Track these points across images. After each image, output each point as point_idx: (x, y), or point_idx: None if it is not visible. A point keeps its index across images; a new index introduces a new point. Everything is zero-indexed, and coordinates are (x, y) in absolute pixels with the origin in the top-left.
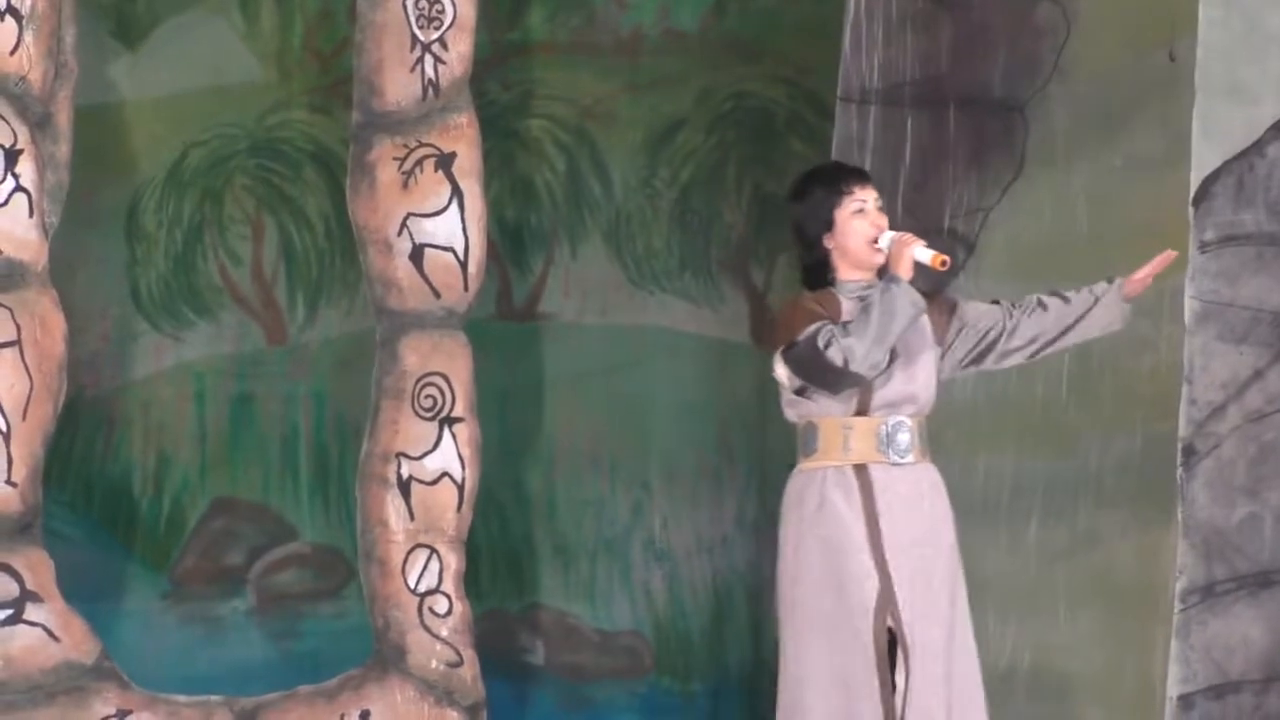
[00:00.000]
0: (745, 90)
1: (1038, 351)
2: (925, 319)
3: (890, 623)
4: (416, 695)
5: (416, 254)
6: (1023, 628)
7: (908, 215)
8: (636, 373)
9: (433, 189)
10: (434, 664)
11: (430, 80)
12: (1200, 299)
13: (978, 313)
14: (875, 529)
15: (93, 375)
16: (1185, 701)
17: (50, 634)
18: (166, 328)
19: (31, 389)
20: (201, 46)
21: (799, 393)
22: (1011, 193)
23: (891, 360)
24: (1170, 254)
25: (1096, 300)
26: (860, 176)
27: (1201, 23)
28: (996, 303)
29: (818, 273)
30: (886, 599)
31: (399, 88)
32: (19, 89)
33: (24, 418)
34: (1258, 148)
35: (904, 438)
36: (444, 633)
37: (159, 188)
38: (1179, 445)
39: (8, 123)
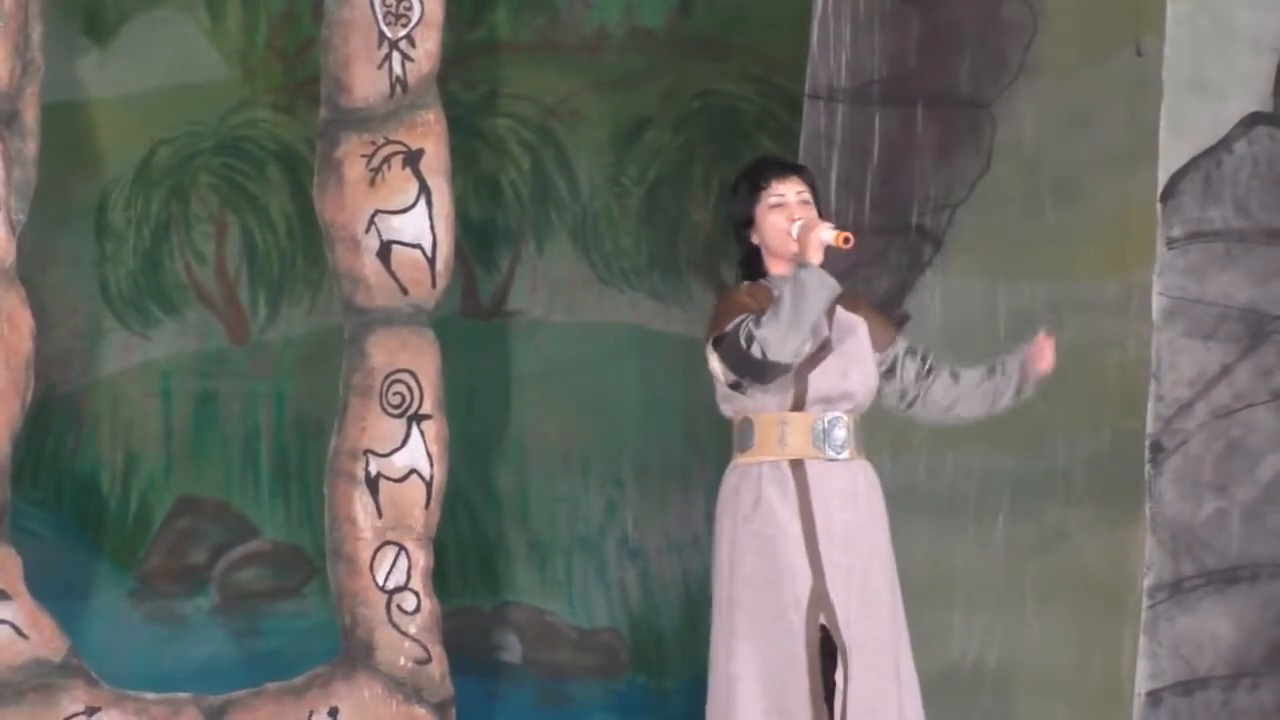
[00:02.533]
0: (712, 88)
1: (945, 417)
2: (861, 322)
3: (823, 620)
4: (384, 692)
5: (384, 251)
6: (991, 624)
7: (875, 212)
8: (605, 370)
9: (400, 186)
10: (402, 661)
11: (398, 77)
12: (1168, 295)
13: (908, 354)
14: (810, 525)
15: (64, 372)
16: (1154, 698)
17: (18, 631)
18: (135, 325)
19: None
20: (168, 44)
21: (734, 387)
22: (979, 189)
23: (824, 353)
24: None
25: (999, 391)
26: (780, 170)
27: (1169, 19)
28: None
29: (750, 266)
30: (820, 597)
31: (366, 84)
32: None
33: None
34: (1225, 144)
35: (840, 434)
36: (412, 630)
37: (128, 185)
38: (1147, 442)
39: None
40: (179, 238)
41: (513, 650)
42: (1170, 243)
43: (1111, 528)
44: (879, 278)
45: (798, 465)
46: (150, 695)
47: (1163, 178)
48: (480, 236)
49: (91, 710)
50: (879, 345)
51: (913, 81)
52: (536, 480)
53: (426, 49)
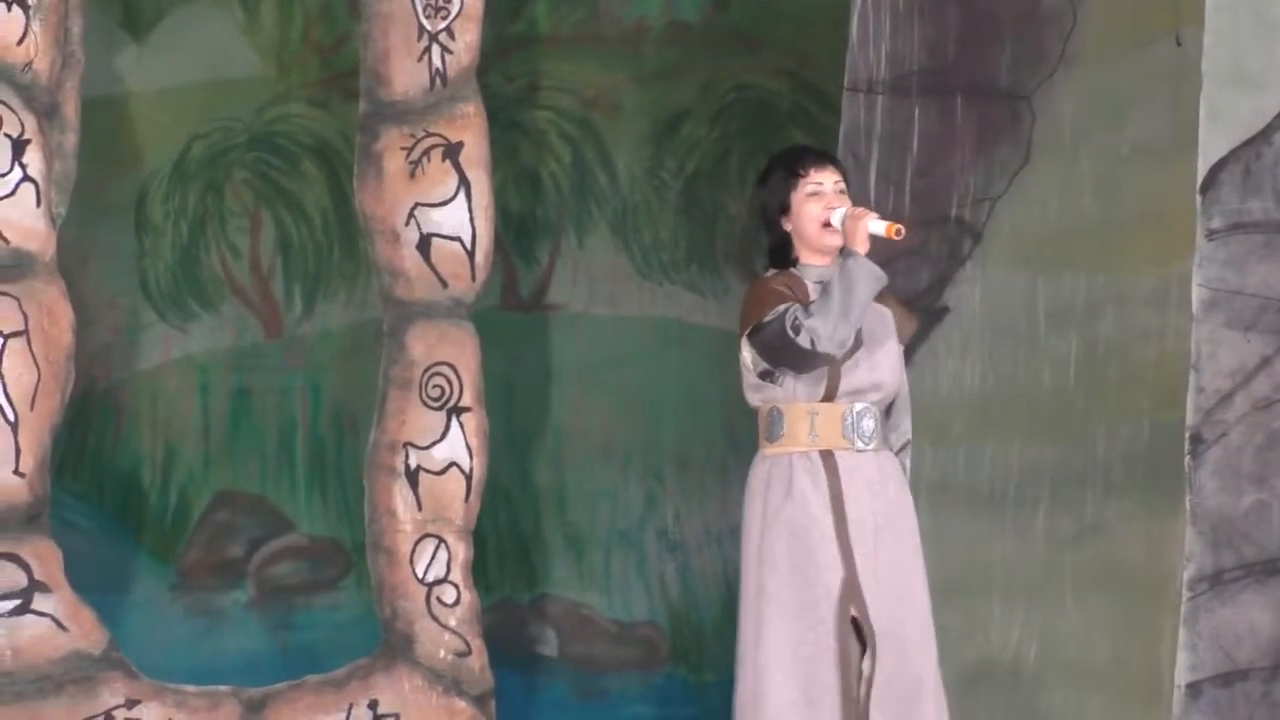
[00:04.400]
0: (747, 82)
1: None
2: (888, 312)
3: (854, 612)
4: (424, 684)
5: (424, 244)
6: (1030, 616)
7: (915, 204)
8: (644, 364)
9: (440, 179)
10: (442, 653)
11: (437, 70)
12: (1207, 287)
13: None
14: (842, 516)
15: (105, 366)
16: (1193, 689)
17: (58, 624)
18: (173, 319)
19: (39, 379)
20: (204, 39)
21: (764, 376)
22: (1018, 181)
23: (857, 346)
24: None
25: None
26: (818, 159)
27: (1208, 10)
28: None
29: (781, 254)
30: (851, 588)
31: (406, 77)
32: (26, 78)
33: (32, 408)
34: (1265, 135)
35: (868, 424)
36: (452, 622)
37: (165, 179)
38: (1186, 433)
39: (15, 112)
40: (214, 232)
41: (550, 644)
42: (1210, 234)
43: (1151, 519)
44: (918, 270)
45: (828, 456)
46: (190, 688)
47: (1202, 169)
48: (520, 229)
49: (131, 703)
50: (902, 337)
51: (952, 73)
52: (575, 473)
53: (466, 41)
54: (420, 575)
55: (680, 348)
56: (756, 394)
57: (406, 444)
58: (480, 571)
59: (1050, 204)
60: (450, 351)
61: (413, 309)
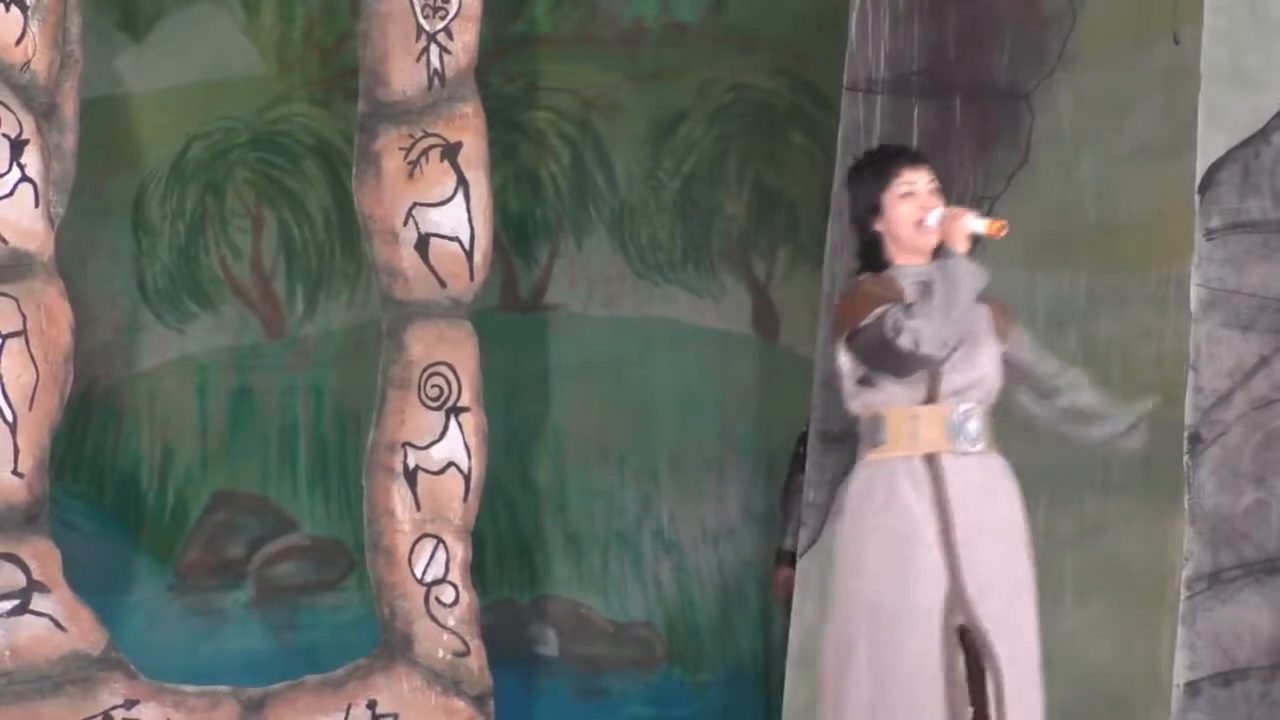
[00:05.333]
0: (745, 82)
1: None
2: (986, 309)
3: (962, 620)
4: (423, 684)
5: (422, 244)
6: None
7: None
8: (641, 364)
9: (438, 179)
10: (441, 653)
11: (436, 70)
12: (1206, 286)
13: (1034, 348)
14: (947, 523)
15: (104, 367)
16: (1192, 689)
17: (57, 624)
18: (171, 320)
19: (38, 379)
20: (204, 39)
21: (862, 382)
22: (1017, 181)
23: (957, 345)
24: None
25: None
26: (911, 159)
27: (1207, 9)
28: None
29: (874, 255)
30: (957, 598)
31: (404, 77)
32: (24, 78)
33: (30, 408)
34: (1263, 135)
35: (974, 425)
36: (451, 622)
37: (163, 180)
38: (1185, 433)
39: (13, 113)
40: (215, 232)
41: (550, 644)
42: (1208, 234)
43: (1150, 519)
44: None
45: (932, 460)
46: (189, 688)
47: (1201, 169)
48: (520, 229)
49: (130, 703)
50: (1002, 332)
51: (951, 73)
52: (573, 473)
53: (464, 42)
54: (419, 575)
55: (676, 348)
56: (856, 400)
57: (405, 444)
58: (479, 572)
59: (1049, 203)
60: (449, 351)
61: (411, 309)
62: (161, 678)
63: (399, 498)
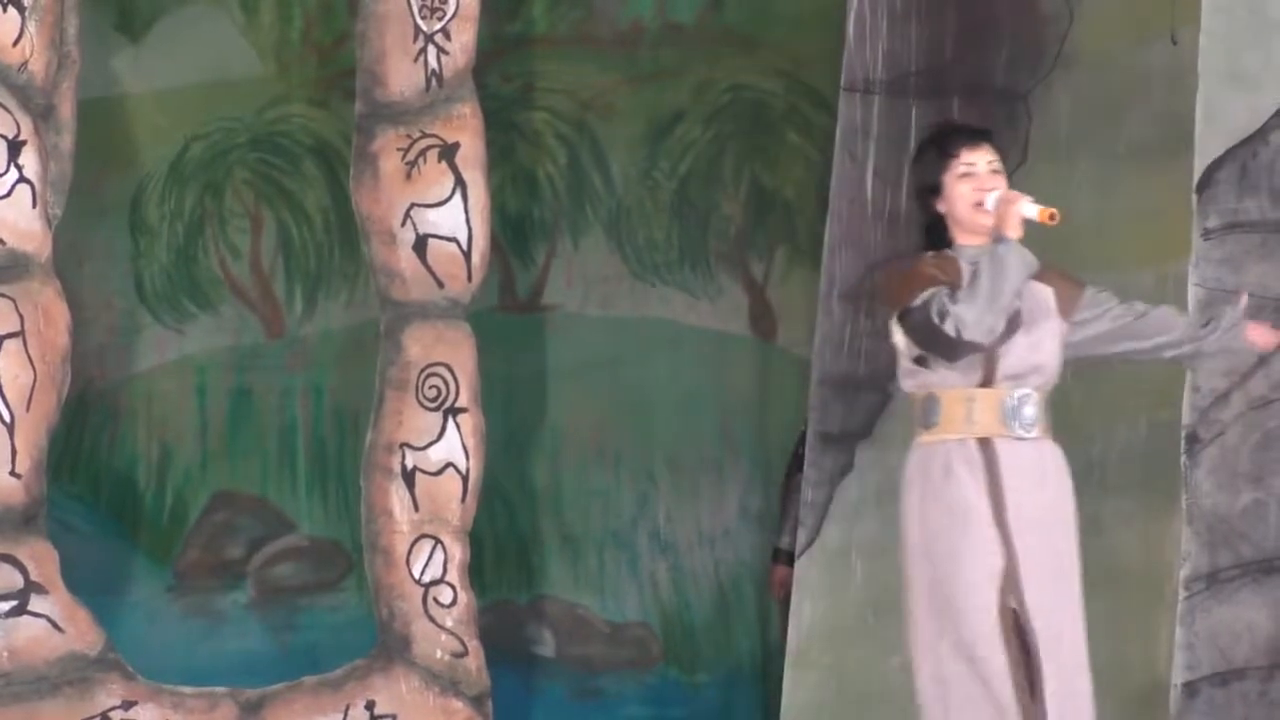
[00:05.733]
0: (742, 82)
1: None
2: (1049, 291)
3: (1014, 604)
4: (421, 685)
5: (420, 244)
6: None
7: (911, 205)
8: (638, 364)
9: (436, 179)
10: (439, 654)
11: (433, 71)
12: (1204, 286)
13: (1109, 301)
14: (1000, 506)
15: (100, 367)
16: (1190, 689)
17: (55, 625)
18: (169, 320)
19: (35, 380)
20: (202, 40)
21: (918, 361)
22: (1015, 181)
23: (1015, 328)
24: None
25: (1220, 329)
26: (971, 138)
27: (1205, 10)
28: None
29: (935, 234)
30: (1010, 580)
31: (402, 78)
32: (21, 79)
33: (28, 409)
34: (1261, 135)
35: (1030, 411)
36: (449, 623)
37: (161, 181)
38: (1183, 433)
39: (11, 113)
40: (214, 233)
41: (547, 644)
42: (1206, 234)
43: (1147, 519)
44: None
45: (986, 444)
46: (186, 689)
47: (1198, 168)
48: (517, 230)
49: (128, 704)
50: (1066, 310)
51: (949, 73)
52: (570, 474)
53: (462, 42)
54: (417, 576)
55: (673, 348)
56: (911, 379)
57: (403, 444)
58: (477, 572)
59: (1047, 203)
60: (446, 352)
61: (409, 309)
62: (160, 679)
63: (397, 498)
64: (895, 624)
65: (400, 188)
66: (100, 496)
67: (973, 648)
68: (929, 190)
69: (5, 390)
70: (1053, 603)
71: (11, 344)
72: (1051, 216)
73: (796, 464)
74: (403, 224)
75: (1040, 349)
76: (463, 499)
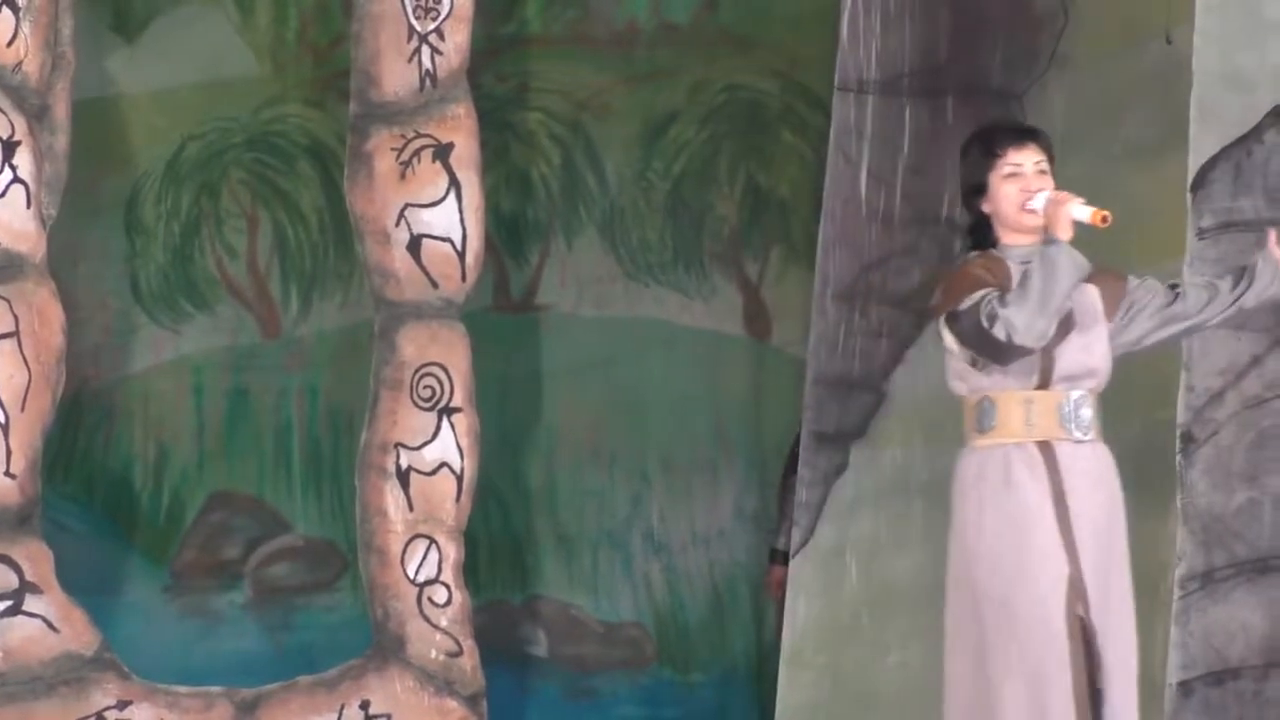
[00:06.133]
0: (737, 83)
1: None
2: (1096, 292)
3: (1080, 611)
4: (416, 685)
5: (414, 244)
6: None
7: (906, 204)
8: (632, 365)
9: (430, 179)
10: (434, 654)
11: (428, 71)
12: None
13: (1150, 292)
14: (1064, 510)
15: (94, 368)
16: (1185, 688)
17: (50, 625)
18: (165, 321)
19: (30, 380)
20: (198, 39)
21: (971, 364)
22: None
23: (1068, 330)
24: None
25: (1257, 281)
26: (1017, 137)
27: (1199, 9)
28: (1173, 286)
29: (982, 234)
30: (1076, 586)
31: (396, 78)
32: (16, 80)
33: (22, 409)
34: (1255, 134)
35: (1086, 413)
36: (443, 622)
37: (157, 181)
38: (1178, 432)
39: (5, 114)
40: (210, 233)
41: (540, 644)
42: (1201, 233)
43: (1142, 518)
44: (910, 270)
45: (1046, 447)
46: (182, 689)
47: (1193, 168)
48: (511, 230)
49: (123, 704)
50: (1110, 311)
51: (943, 73)
52: (564, 474)
53: (456, 42)
54: (411, 576)
55: (667, 349)
56: (963, 382)
57: (397, 444)
58: (471, 572)
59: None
60: (441, 352)
61: (403, 309)
62: (156, 679)
63: (391, 498)
64: (890, 623)
65: (394, 188)
66: (95, 497)
67: (1038, 664)
68: (974, 190)
69: (0, 391)
70: (1114, 610)
71: (6, 344)
72: (1104, 219)
73: (793, 464)
74: (397, 224)
75: (1093, 351)
76: (457, 499)
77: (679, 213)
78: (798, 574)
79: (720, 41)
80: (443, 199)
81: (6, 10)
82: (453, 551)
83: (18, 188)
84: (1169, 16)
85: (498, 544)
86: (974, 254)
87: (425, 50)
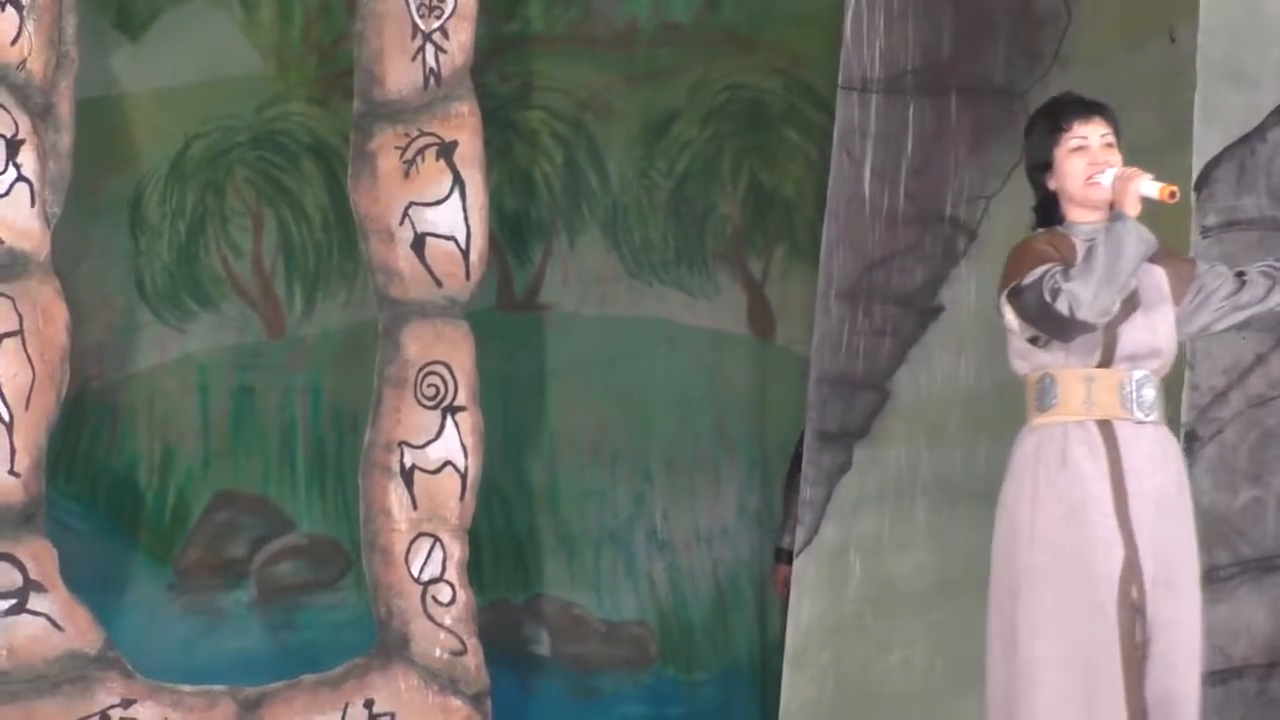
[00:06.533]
0: (739, 82)
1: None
2: (1162, 273)
3: (1135, 596)
4: (420, 684)
5: (418, 243)
6: None
7: (910, 203)
8: (636, 363)
9: (434, 178)
10: (438, 652)
11: (431, 69)
12: None
13: (1219, 278)
14: (1122, 491)
15: (98, 366)
16: None
17: (54, 624)
18: (170, 319)
19: (34, 379)
20: (202, 38)
21: (1032, 341)
22: (1013, 180)
23: (1133, 308)
24: None
25: None
26: (1084, 110)
27: (1202, 7)
28: (1240, 274)
29: (1047, 211)
30: (1132, 569)
31: (400, 76)
32: (20, 78)
33: (27, 407)
34: (1259, 132)
35: (1149, 394)
36: (447, 621)
37: (162, 179)
38: (1182, 431)
39: (9, 112)
40: (215, 231)
41: (543, 643)
42: (1204, 231)
43: None
44: (913, 268)
45: (1106, 427)
46: (185, 687)
47: (1197, 166)
48: (514, 229)
49: (127, 702)
50: (1178, 294)
51: (947, 72)
52: (567, 473)
53: (460, 41)
54: (415, 574)
55: (669, 348)
56: (1024, 361)
57: (402, 443)
58: (475, 571)
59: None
60: (445, 350)
61: (407, 308)
62: (161, 677)
63: (395, 497)
64: (894, 622)
65: (398, 186)
66: (99, 495)
67: (1086, 649)
68: (1040, 166)
69: (4, 389)
70: (1174, 595)
71: (10, 343)
72: (1173, 195)
73: (798, 464)
74: (401, 222)
75: (1157, 331)
76: (461, 497)
77: (682, 212)
78: (801, 573)
79: (722, 41)
80: (447, 197)
81: (10, 8)
82: (457, 550)
83: (22, 186)
84: (1172, 15)
85: (500, 543)
86: (1039, 230)
87: (429, 49)
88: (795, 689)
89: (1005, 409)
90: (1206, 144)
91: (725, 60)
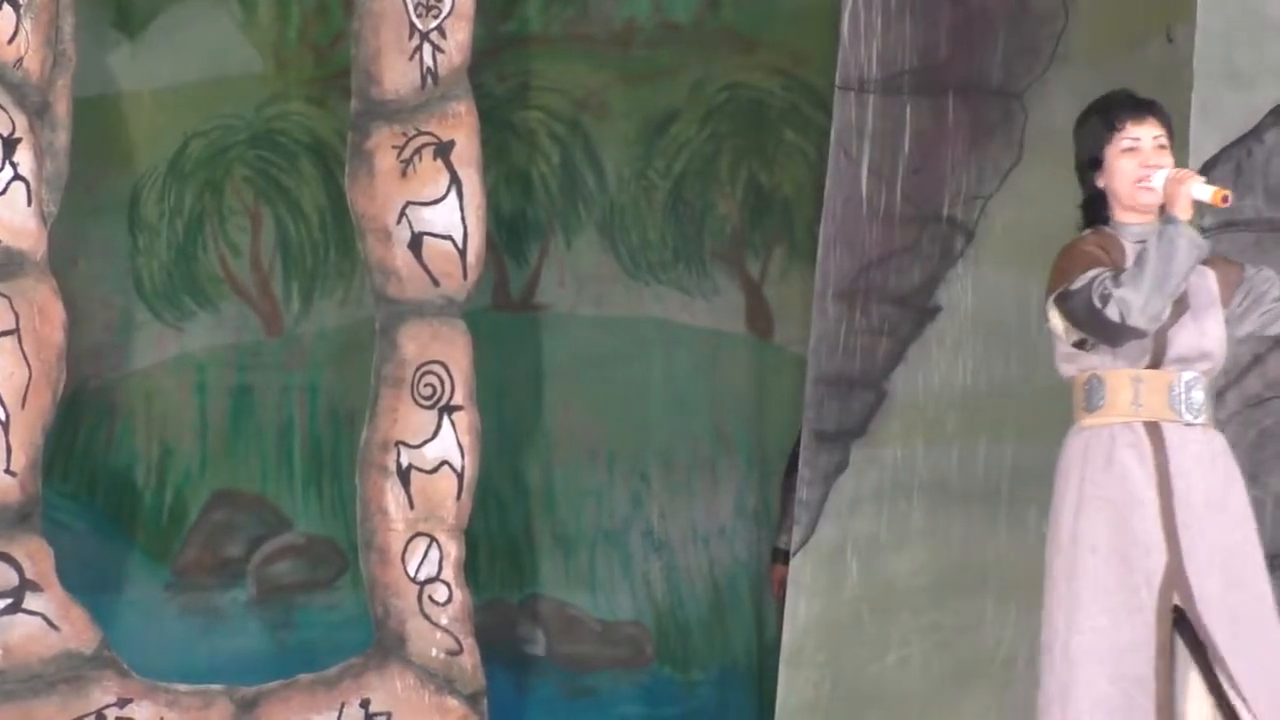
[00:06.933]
0: (738, 81)
1: None
2: (1212, 275)
3: (1178, 600)
4: (417, 683)
5: (415, 242)
6: (1023, 616)
7: (907, 203)
8: (633, 364)
9: (431, 177)
10: (434, 652)
11: (429, 69)
12: None
13: (1267, 281)
14: (1168, 494)
15: (96, 365)
16: None
17: (50, 623)
18: (168, 318)
19: (30, 378)
20: (200, 37)
21: (1078, 345)
22: (1010, 180)
23: (1182, 311)
24: None
25: None
26: (1136, 110)
27: (1200, 7)
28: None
29: (1094, 211)
30: (1175, 574)
31: (397, 76)
32: (17, 76)
33: (23, 406)
34: (1256, 133)
35: (1198, 396)
36: (444, 621)
37: (160, 178)
38: None
39: (5, 111)
40: (213, 230)
41: (539, 643)
42: (1202, 233)
43: None
44: (910, 268)
45: (1153, 428)
46: (182, 687)
47: (1194, 167)
48: (511, 229)
49: (123, 701)
50: (1227, 296)
51: (944, 71)
52: (563, 473)
53: (457, 40)
54: (412, 574)
55: (666, 348)
56: (1071, 364)
57: (398, 442)
58: (471, 571)
59: (1043, 202)
60: (442, 350)
61: (404, 307)
62: (157, 677)
63: (392, 496)
64: (891, 622)
65: (395, 185)
66: (96, 495)
67: (1124, 651)
68: (1090, 165)
69: (0, 388)
70: (1222, 598)
71: (6, 341)
72: (1225, 199)
73: (795, 463)
74: (398, 222)
75: (1207, 334)
76: (458, 497)
77: (680, 211)
78: (798, 573)
79: (721, 40)
80: (444, 197)
81: (7, 7)
82: (453, 550)
83: (18, 185)
84: (1170, 15)
85: (496, 543)
86: (1087, 231)
87: (427, 48)
88: (792, 689)
89: (1003, 409)
90: (1203, 145)
91: (724, 60)
